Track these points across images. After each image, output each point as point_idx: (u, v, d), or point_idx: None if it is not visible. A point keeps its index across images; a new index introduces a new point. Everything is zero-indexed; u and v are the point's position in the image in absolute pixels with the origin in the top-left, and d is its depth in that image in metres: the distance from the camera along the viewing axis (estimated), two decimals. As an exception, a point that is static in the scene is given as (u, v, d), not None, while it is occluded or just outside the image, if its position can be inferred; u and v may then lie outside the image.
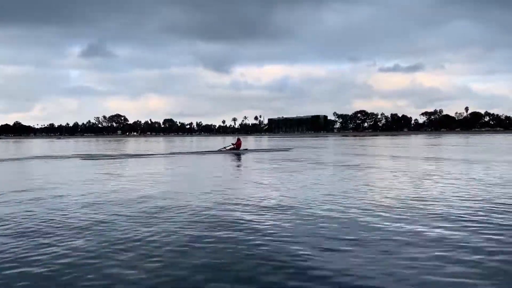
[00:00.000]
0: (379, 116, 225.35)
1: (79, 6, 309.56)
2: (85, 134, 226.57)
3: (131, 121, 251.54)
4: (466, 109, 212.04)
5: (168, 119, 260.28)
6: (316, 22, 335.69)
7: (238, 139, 31.83)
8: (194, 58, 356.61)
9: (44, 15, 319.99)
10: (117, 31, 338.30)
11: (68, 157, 26.68)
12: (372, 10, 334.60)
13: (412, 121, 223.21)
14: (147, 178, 13.49)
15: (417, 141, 61.33)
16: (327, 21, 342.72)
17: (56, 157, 26.70)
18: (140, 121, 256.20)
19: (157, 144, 59.99)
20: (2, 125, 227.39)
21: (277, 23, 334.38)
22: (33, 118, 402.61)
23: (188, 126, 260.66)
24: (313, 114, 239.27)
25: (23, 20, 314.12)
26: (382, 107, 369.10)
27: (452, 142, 50.06)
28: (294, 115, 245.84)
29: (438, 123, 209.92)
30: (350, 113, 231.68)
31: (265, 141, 75.74)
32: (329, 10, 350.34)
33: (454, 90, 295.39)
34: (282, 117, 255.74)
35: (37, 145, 56.42)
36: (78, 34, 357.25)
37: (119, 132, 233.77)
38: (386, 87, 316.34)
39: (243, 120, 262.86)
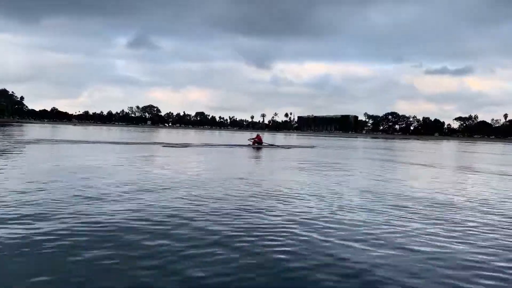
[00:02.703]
0: (410, 119, 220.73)
1: None
2: (115, 123, 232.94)
3: (168, 112, 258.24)
4: (505, 116, 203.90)
5: (199, 112, 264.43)
6: (360, 20, 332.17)
7: (258, 135, 34.09)
8: (236, 53, 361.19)
9: (93, 5, 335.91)
10: (162, 24, 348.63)
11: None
12: (420, 9, 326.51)
13: (445, 126, 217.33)
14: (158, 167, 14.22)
15: (448, 147, 60.05)
16: (372, 19, 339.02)
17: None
18: (172, 113, 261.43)
19: (175, 134, 61.16)
20: (40, 110, 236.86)
21: (320, 20, 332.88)
22: (80, 105, 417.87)
23: (219, 120, 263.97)
24: (343, 114, 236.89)
25: (72, 10, 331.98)
26: (427, 110, 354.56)
27: (485, 150, 48.81)
28: (332, 114, 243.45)
29: (472, 129, 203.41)
30: (407, 115, 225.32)
31: (284, 139, 75.68)
32: (375, 8, 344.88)
33: (504, 96, 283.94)
34: (312, 115, 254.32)
35: (37, 130, 58.57)
36: (125, 25, 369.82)
37: (149, 122, 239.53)
38: (432, 90, 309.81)
39: (273, 117, 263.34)
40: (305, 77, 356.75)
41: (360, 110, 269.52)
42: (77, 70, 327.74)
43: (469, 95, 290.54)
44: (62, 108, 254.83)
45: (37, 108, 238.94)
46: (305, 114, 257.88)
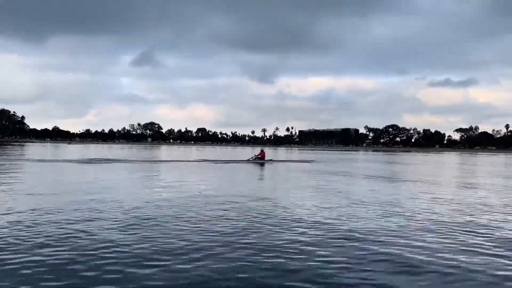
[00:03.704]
0: (411, 132, 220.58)
1: (130, 17, 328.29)
2: (116, 141, 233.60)
3: (169, 129, 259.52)
4: (507, 126, 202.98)
5: (201, 128, 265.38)
6: (363, 33, 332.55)
7: (262, 151, 35.26)
8: (240, 68, 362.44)
9: (98, 25, 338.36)
10: (166, 41, 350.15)
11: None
12: (422, 21, 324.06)
13: (446, 138, 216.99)
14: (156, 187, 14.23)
15: (447, 159, 59.85)
16: (375, 33, 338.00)
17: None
18: (174, 129, 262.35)
19: (171, 151, 61.43)
20: (42, 129, 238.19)
21: (323, 34, 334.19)
22: (88, 124, 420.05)
23: (220, 136, 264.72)
24: (344, 127, 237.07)
25: (78, 30, 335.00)
26: (433, 122, 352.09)
27: (485, 162, 48.60)
28: (334, 128, 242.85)
29: (474, 141, 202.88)
30: (407, 128, 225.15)
31: (285, 153, 75.54)
32: (376, 21, 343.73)
33: (510, 107, 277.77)
34: (313, 129, 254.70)
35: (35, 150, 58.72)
36: (129, 43, 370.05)
37: (149, 139, 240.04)
38: (437, 102, 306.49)
39: (274, 131, 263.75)
40: (309, 91, 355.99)
41: (366, 124, 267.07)
42: (84, 89, 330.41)
43: (475, 107, 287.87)
44: (69, 128, 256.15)
45: (45, 127, 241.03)
46: (311, 128, 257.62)
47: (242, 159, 35.59)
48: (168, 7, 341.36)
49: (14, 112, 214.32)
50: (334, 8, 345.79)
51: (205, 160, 33.84)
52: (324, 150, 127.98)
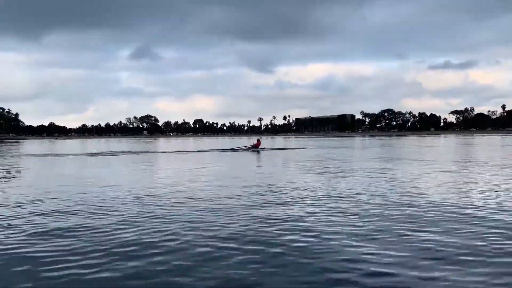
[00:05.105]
0: (406, 115, 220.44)
1: (124, 12, 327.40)
2: (111, 135, 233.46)
3: (166, 121, 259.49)
4: (503, 107, 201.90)
5: (198, 120, 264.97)
6: (359, 18, 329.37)
7: (258, 140, 36.44)
8: (238, 59, 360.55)
9: (93, 20, 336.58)
10: (162, 34, 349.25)
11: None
12: (420, 3, 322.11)
13: (442, 120, 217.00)
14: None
15: (439, 141, 59.91)
16: (371, 17, 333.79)
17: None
18: (170, 122, 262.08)
19: (162, 144, 61.35)
20: (37, 125, 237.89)
21: (318, 21, 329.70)
22: (88, 119, 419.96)
23: (217, 126, 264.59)
24: (339, 114, 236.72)
25: (74, 25, 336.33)
26: (434, 106, 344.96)
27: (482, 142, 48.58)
28: (339, 114, 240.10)
29: (469, 122, 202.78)
30: (403, 112, 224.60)
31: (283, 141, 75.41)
32: (374, 5, 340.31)
33: (511, 87, 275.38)
34: (309, 116, 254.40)
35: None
36: (126, 37, 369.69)
37: (145, 132, 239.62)
38: (437, 85, 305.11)
39: (271, 120, 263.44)
40: (309, 79, 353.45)
41: (366, 109, 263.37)
42: (82, 84, 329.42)
43: (475, 88, 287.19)
44: (71, 124, 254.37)
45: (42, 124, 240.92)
46: (312, 115, 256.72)
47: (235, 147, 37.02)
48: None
49: (8, 109, 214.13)
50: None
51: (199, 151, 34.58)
52: (318, 137, 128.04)
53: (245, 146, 36.08)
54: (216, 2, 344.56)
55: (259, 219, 7.10)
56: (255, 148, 34.58)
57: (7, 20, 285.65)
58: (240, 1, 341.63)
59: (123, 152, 33.89)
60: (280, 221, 6.97)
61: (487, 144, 43.79)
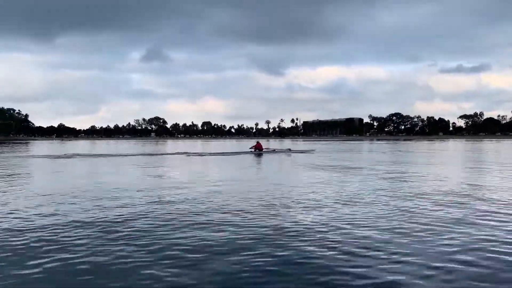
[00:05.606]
0: (415, 119, 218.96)
1: (136, 14, 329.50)
2: (120, 136, 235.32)
3: (174, 123, 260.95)
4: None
5: (206, 122, 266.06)
6: (370, 20, 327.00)
7: (257, 142, 37.02)
8: (248, 61, 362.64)
9: (105, 23, 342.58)
10: (173, 36, 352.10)
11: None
12: (432, 6, 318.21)
13: (451, 125, 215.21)
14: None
15: (445, 145, 59.49)
16: (383, 20, 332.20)
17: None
18: (179, 124, 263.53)
19: (163, 147, 61.61)
20: (47, 126, 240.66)
21: (329, 23, 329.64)
22: (100, 120, 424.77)
23: (225, 129, 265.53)
24: (347, 117, 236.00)
25: (87, 27, 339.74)
26: (446, 110, 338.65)
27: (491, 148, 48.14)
28: (349, 117, 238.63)
29: (478, 127, 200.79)
30: (412, 116, 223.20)
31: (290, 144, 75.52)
32: (383, 7, 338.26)
33: None
34: (317, 120, 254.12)
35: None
36: (137, 40, 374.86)
37: (153, 134, 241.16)
38: (449, 89, 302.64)
39: (279, 123, 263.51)
40: (319, 81, 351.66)
41: (377, 113, 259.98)
42: (94, 86, 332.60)
43: (488, 92, 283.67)
44: (83, 125, 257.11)
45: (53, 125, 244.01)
46: (321, 118, 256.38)
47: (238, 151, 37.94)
48: (173, 2, 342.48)
49: (19, 110, 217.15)
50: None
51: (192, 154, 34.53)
52: (325, 140, 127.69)
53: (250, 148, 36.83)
54: (227, 4, 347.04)
55: (271, 222, 7.27)
56: (258, 149, 35.07)
57: (21, 22, 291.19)
58: (251, 3, 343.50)
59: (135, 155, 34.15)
60: (294, 224, 7.12)
61: (506, 150, 43.36)
